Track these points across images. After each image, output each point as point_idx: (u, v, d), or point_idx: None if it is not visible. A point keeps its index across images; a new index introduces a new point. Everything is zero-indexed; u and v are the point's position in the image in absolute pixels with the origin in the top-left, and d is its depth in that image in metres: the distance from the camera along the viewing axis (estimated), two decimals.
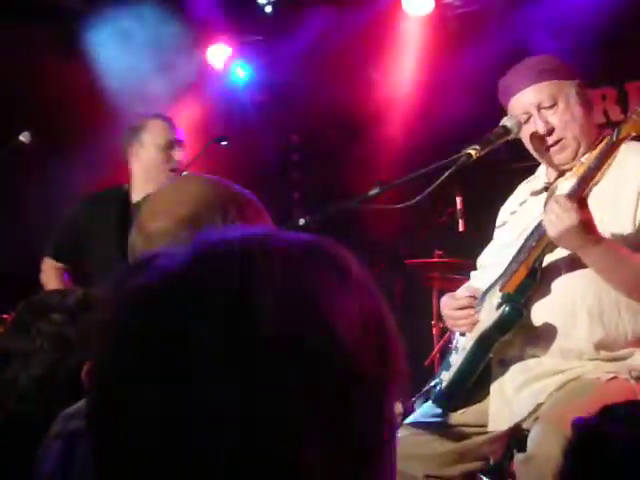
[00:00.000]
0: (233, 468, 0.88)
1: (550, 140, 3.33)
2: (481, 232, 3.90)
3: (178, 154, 4.66)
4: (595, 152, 3.20)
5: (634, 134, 3.07)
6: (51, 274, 4.77)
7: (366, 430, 0.95)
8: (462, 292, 3.50)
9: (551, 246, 3.13)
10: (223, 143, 4.81)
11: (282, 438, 0.88)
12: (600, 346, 3.15)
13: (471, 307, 3.37)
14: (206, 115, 7.36)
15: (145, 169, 4.65)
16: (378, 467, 0.97)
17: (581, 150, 3.32)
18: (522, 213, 3.49)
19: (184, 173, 4.53)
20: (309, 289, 0.94)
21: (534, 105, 3.33)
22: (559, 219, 2.96)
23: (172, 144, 4.65)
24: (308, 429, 0.90)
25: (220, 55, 7.68)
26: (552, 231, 3.00)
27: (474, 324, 3.33)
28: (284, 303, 0.91)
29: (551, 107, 3.32)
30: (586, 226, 2.96)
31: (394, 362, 1.00)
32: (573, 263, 3.12)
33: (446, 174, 3.25)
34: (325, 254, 1.00)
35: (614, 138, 3.09)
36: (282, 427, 0.89)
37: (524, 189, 3.62)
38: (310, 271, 0.96)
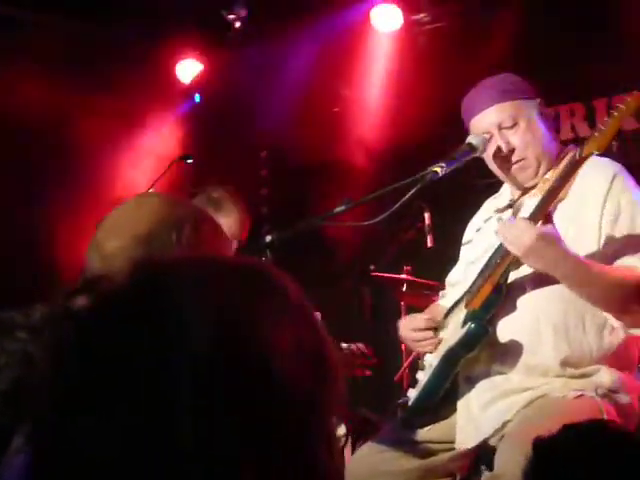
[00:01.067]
0: None
1: (511, 160, 3.35)
2: (449, 248, 3.91)
3: (235, 247, 4.22)
4: (558, 170, 3.22)
5: (596, 152, 3.09)
6: None
7: (303, 452, 0.95)
8: (422, 314, 3.52)
9: (516, 263, 3.14)
10: (188, 161, 4.76)
11: (219, 465, 0.89)
12: (565, 363, 3.15)
13: (429, 329, 3.38)
14: (174, 132, 7.34)
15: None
16: None
17: (542, 168, 3.34)
18: (487, 230, 3.50)
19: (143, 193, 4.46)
20: (243, 320, 0.94)
21: (495, 125, 3.34)
22: (519, 239, 2.98)
23: (235, 239, 4.26)
24: (244, 455, 0.90)
25: (189, 71, 7.66)
26: (517, 251, 3.01)
27: (433, 345, 3.35)
28: (219, 334, 0.91)
29: (512, 127, 3.34)
30: (548, 239, 2.97)
31: (331, 383, 1.00)
32: (538, 280, 3.14)
33: (412, 191, 3.26)
34: (262, 280, 1.00)
35: (577, 156, 3.11)
36: (219, 455, 0.89)
37: (489, 206, 3.64)
38: (246, 300, 0.96)
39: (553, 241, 2.99)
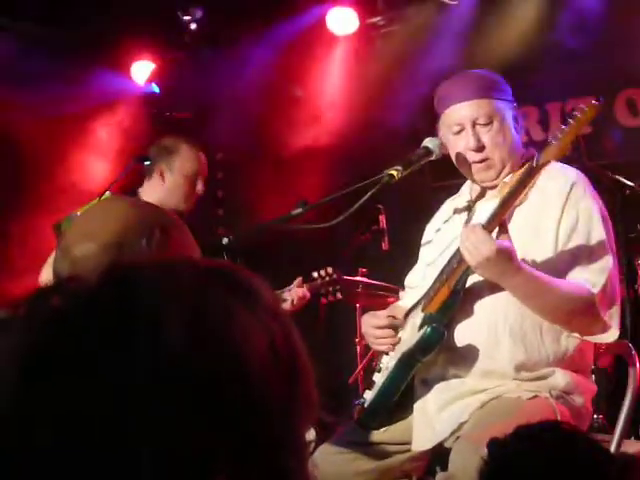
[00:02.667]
0: None
1: (477, 157, 3.34)
2: (404, 250, 3.92)
3: (201, 186, 4.70)
4: (516, 177, 3.22)
5: (553, 160, 3.11)
6: None
7: (273, 458, 0.94)
8: (384, 312, 3.52)
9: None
10: (146, 163, 4.77)
11: (188, 467, 0.88)
12: (522, 367, 3.18)
13: (391, 327, 3.38)
14: (129, 132, 7.31)
15: (166, 193, 4.60)
16: None
17: (505, 171, 3.34)
18: (445, 231, 3.51)
19: (107, 194, 4.49)
20: (215, 321, 0.94)
21: (470, 119, 3.34)
22: (477, 249, 2.98)
23: (199, 175, 4.69)
24: (214, 459, 0.90)
25: (143, 71, 7.62)
26: (471, 261, 3.02)
27: (394, 344, 3.35)
28: (189, 336, 0.90)
29: (486, 125, 3.34)
30: (505, 255, 2.98)
31: (304, 387, 1.00)
32: (496, 285, 3.15)
33: (368, 194, 3.27)
34: (232, 282, 0.99)
35: (534, 164, 3.11)
36: (187, 457, 0.88)
37: (449, 206, 3.65)
38: (216, 302, 0.96)
39: (508, 257, 2.99)
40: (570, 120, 3.07)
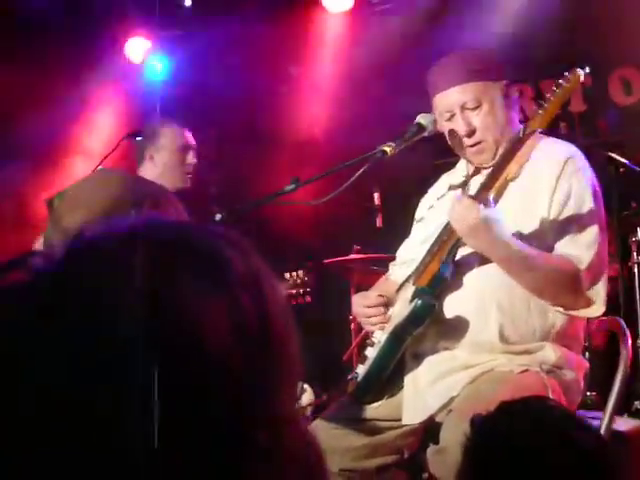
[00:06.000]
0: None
1: (470, 141, 3.35)
2: (399, 228, 3.92)
3: (192, 157, 4.82)
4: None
5: (540, 130, 3.12)
6: None
7: (242, 436, 0.92)
8: (373, 292, 3.54)
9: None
10: (138, 139, 4.81)
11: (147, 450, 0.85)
12: (510, 340, 3.19)
13: (382, 305, 3.40)
14: (123, 109, 7.30)
15: (160, 174, 4.67)
16: (280, 460, 0.94)
17: (500, 151, 3.33)
18: (439, 208, 3.51)
19: (99, 168, 4.51)
20: (175, 295, 0.90)
21: (458, 105, 3.34)
22: (463, 218, 3.00)
23: (187, 148, 4.82)
24: (173, 440, 0.87)
25: (139, 49, 7.61)
26: (458, 228, 3.05)
27: (385, 322, 3.37)
28: (147, 310, 0.87)
29: (475, 109, 3.33)
30: (490, 226, 3.00)
31: (282, 359, 0.97)
32: (485, 258, 3.16)
33: (360, 171, 3.27)
34: (199, 255, 0.95)
35: (520, 134, 3.13)
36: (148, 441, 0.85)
37: (444, 182, 3.65)
38: (179, 274, 0.92)
39: (494, 226, 3.01)
40: (555, 89, 3.09)
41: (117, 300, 0.88)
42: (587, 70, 3.11)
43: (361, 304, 3.45)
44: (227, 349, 0.90)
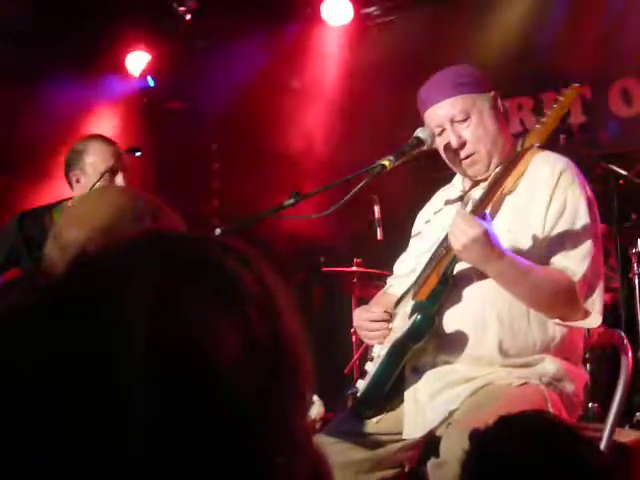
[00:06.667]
0: None
1: (462, 154, 3.37)
2: (399, 240, 3.93)
3: (121, 180, 4.42)
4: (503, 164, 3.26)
5: (538, 144, 3.14)
6: None
7: (254, 453, 0.89)
8: (376, 306, 3.54)
9: None
10: (137, 154, 4.70)
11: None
12: (509, 353, 3.19)
13: (384, 320, 3.40)
14: (122, 123, 7.31)
15: None
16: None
17: (494, 162, 3.36)
18: (436, 222, 3.53)
19: (98, 184, 4.44)
20: (184, 318, 0.88)
21: (447, 119, 3.37)
22: (463, 233, 3.00)
23: (114, 169, 4.42)
24: (187, 462, 0.85)
25: (139, 62, 7.63)
26: (456, 244, 3.04)
27: (385, 337, 3.37)
28: (157, 334, 0.85)
29: (464, 121, 3.36)
30: (488, 240, 3.00)
31: (293, 377, 0.95)
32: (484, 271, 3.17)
33: (360, 185, 3.28)
34: (212, 275, 0.93)
35: (518, 148, 3.16)
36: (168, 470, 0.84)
37: (440, 197, 3.67)
38: (186, 296, 0.89)
39: (490, 242, 3.01)
40: (553, 104, 3.12)
41: (121, 318, 0.86)
42: (581, 84, 3.13)
43: (365, 318, 3.45)
44: (239, 368, 0.88)
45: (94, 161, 4.42)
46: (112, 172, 4.40)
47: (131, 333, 0.85)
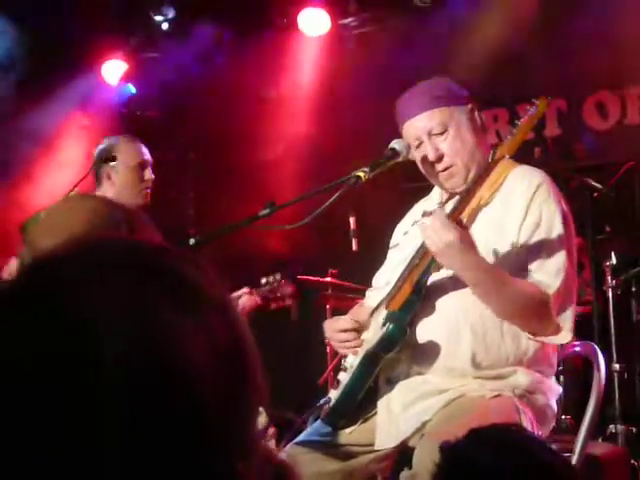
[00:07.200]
0: None
1: (440, 166, 3.38)
2: (374, 252, 3.93)
3: (149, 173, 4.81)
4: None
5: (508, 155, 3.15)
6: None
7: (223, 460, 0.91)
8: (347, 316, 3.54)
9: (437, 264, 3.17)
10: (112, 163, 4.81)
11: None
12: (482, 365, 3.19)
13: (353, 330, 3.40)
14: (100, 132, 7.28)
15: (118, 192, 4.68)
16: None
17: (471, 175, 3.36)
18: (414, 234, 3.52)
19: (74, 192, 4.51)
20: (150, 326, 0.89)
21: (425, 131, 3.38)
22: (437, 235, 3.00)
23: (143, 164, 4.81)
24: (150, 463, 0.86)
25: (115, 71, 7.60)
26: (432, 246, 3.04)
27: (358, 346, 3.37)
28: (125, 344, 0.86)
29: (441, 134, 3.37)
30: (465, 245, 3.01)
31: (252, 382, 0.97)
32: (458, 282, 3.17)
33: (334, 196, 3.28)
34: (173, 283, 0.94)
35: (489, 159, 3.17)
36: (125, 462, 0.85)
37: (418, 209, 3.67)
38: (152, 304, 0.91)
39: (468, 246, 3.02)
40: (523, 116, 3.17)
41: (83, 317, 0.86)
42: (551, 97, 3.18)
43: (334, 328, 3.45)
44: (204, 371, 0.89)
45: (125, 158, 4.78)
46: (142, 167, 4.79)
47: (98, 333, 0.85)
